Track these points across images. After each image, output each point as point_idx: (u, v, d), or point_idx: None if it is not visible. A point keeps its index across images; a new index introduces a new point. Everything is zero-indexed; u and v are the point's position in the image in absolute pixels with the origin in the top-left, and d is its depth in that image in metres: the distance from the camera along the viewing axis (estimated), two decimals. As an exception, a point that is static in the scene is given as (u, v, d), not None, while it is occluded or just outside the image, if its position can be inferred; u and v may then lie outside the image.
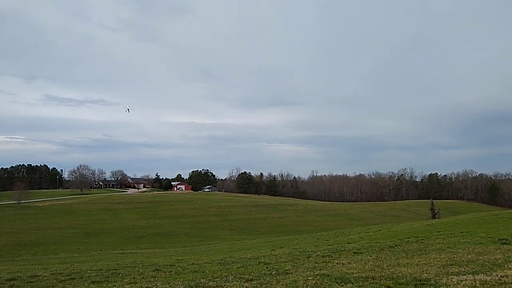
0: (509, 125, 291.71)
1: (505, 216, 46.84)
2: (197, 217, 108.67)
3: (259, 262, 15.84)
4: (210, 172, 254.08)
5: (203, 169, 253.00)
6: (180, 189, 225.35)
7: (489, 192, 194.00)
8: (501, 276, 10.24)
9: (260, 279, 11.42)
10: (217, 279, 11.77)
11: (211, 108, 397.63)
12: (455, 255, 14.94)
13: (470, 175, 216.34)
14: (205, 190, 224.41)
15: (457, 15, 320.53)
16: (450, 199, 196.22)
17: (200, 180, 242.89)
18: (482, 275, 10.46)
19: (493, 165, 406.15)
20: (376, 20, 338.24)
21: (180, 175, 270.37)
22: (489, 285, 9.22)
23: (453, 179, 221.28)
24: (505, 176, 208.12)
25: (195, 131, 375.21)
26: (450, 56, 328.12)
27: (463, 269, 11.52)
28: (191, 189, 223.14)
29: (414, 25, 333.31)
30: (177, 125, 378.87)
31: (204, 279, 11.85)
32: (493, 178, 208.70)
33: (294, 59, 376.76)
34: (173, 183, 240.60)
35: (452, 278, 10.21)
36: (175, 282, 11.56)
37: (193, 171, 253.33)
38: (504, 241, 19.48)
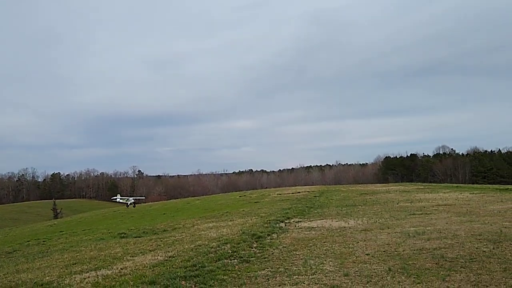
0: (127, 127, 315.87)
1: (123, 212, 50.65)
2: None
3: None
4: None
5: None
6: None
7: (109, 189, 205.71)
8: (121, 268, 10.86)
9: None
10: None
11: None
12: (78, 254, 15.00)
13: (92, 174, 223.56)
14: None
15: (87, 15, 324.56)
16: (73, 198, 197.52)
17: None
18: (104, 270, 10.82)
19: (113, 164, 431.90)
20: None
21: None
22: (110, 279, 9.58)
23: (76, 178, 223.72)
24: (124, 174, 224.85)
25: None
26: (80, 55, 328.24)
27: (86, 267, 11.64)
28: None
29: (43, 18, 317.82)
30: None
31: None
32: (113, 176, 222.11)
33: None
34: None
35: (75, 277, 10.15)
36: None
37: None
38: (122, 235, 20.92)
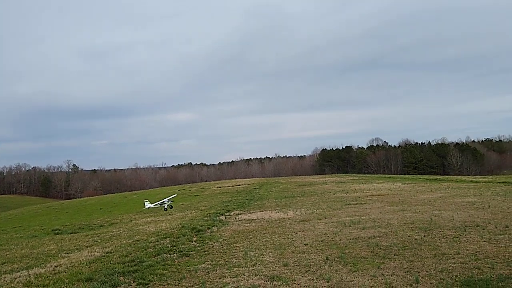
0: (61, 120, 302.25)
1: (57, 207, 48.77)
2: None
3: None
4: None
5: None
6: None
7: (42, 185, 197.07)
8: (55, 266, 10.45)
9: None
10: None
11: None
12: (7, 252, 14.30)
13: (24, 169, 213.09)
14: None
15: (21, 3, 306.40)
16: (2, 194, 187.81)
17: None
18: (36, 268, 10.37)
19: (47, 158, 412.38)
20: None
21: None
22: (44, 277, 9.19)
23: (5, 173, 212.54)
24: (58, 168, 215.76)
25: None
26: (11, 44, 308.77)
27: (17, 266, 11.14)
28: None
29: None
30: None
31: None
32: (46, 171, 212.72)
33: None
34: None
35: (5, 277, 9.66)
36: None
37: None
38: (57, 231, 20.17)
